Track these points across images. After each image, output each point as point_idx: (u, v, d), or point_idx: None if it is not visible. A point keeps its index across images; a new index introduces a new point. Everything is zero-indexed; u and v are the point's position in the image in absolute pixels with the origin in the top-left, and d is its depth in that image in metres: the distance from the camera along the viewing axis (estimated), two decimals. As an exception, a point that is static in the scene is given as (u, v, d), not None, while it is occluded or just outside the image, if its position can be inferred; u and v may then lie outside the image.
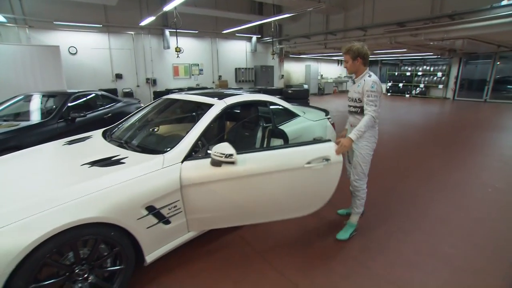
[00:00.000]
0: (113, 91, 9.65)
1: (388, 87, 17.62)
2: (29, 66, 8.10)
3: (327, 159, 2.34)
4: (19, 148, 3.44)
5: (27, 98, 4.91)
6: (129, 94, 10.52)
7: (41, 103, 4.90)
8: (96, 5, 9.66)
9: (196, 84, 12.51)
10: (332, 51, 13.21)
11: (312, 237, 2.72)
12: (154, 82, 11.56)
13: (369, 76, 2.44)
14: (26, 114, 4.58)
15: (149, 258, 1.99)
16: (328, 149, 2.36)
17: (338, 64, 19.63)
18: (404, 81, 16.90)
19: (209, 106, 2.52)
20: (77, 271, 1.71)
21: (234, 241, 2.63)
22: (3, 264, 1.41)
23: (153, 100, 9.83)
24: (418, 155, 5.40)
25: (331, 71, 19.42)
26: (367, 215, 3.05)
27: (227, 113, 3.16)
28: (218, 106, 2.52)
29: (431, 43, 9.16)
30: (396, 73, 17.34)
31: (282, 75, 14.84)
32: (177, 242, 2.15)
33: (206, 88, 11.29)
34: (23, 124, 3.97)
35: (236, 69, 13.96)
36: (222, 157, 2.00)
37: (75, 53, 9.96)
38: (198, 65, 12.73)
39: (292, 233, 2.79)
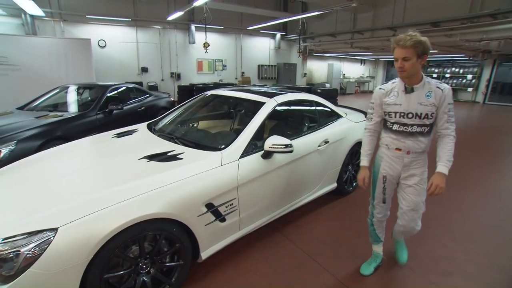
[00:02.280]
0: (139, 84, 9.80)
1: (412, 89, 17.13)
2: (63, 58, 8.33)
3: (327, 142, 2.87)
4: (64, 137, 3.54)
5: (65, 90, 5.04)
6: (153, 88, 10.66)
7: (78, 95, 5.02)
8: (126, 0, 9.80)
9: (219, 80, 12.54)
10: (358, 50, 12.92)
11: (360, 241, 2.65)
12: (178, 76, 11.66)
13: (438, 83, 1.79)
14: (65, 106, 4.70)
15: (204, 254, 1.99)
16: (327, 133, 2.96)
17: (361, 63, 19.23)
18: (430, 83, 16.36)
19: (261, 104, 2.50)
20: (141, 264, 1.72)
21: (280, 241, 2.60)
22: (86, 251, 1.44)
23: (178, 93, 10.00)
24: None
25: (353, 70, 19.04)
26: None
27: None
28: (269, 104, 2.50)
29: (467, 44, 8.79)
30: (422, 74, 16.82)
31: (305, 73, 14.66)
32: (229, 240, 2.14)
33: (231, 84, 11.28)
34: (67, 115, 4.06)
35: (259, 65, 13.90)
36: (281, 148, 2.11)
37: (104, 46, 10.15)
38: (221, 60, 12.76)
39: (335, 235, 2.73)
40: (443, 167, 1.73)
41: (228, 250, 2.34)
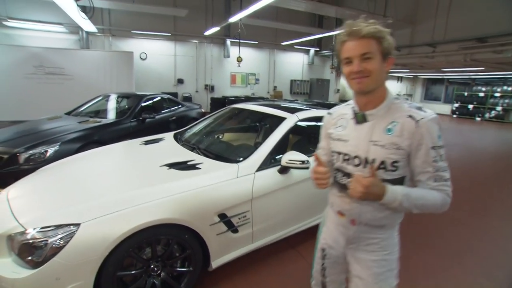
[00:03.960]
0: (174, 95, 10.32)
1: (454, 108, 16.14)
2: (108, 69, 9.08)
3: None
4: (100, 142, 3.83)
5: (106, 98, 5.46)
6: (188, 99, 11.15)
7: (117, 103, 5.42)
8: (168, 16, 10.49)
9: (252, 93, 12.81)
10: (394, 67, 12.56)
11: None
12: (212, 88, 12.11)
13: (413, 109, 1.08)
14: (105, 112, 5.09)
15: (215, 264, 2.02)
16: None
17: (398, 80, 18.60)
18: (475, 103, 15.31)
19: (282, 119, 2.53)
20: (152, 266, 1.81)
21: (293, 258, 2.57)
22: (102, 248, 1.55)
23: (211, 105, 10.37)
24: (497, 188, 4.79)
25: (389, 87, 18.40)
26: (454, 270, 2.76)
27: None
28: (290, 119, 2.53)
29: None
30: (466, 93, 15.82)
31: (338, 89, 14.48)
32: (241, 252, 2.16)
33: (262, 98, 11.48)
34: (104, 121, 4.41)
35: (291, 80, 14.00)
36: (298, 164, 2.09)
37: (145, 59, 10.88)
38: (254, 74, 13.05)
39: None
40: (398, 190, 1.03)
41: (240, 262, 2.36)
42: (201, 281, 2.17)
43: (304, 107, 3.05)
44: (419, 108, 1.08)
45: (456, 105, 16.10)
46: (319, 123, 3.03)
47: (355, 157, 1.12)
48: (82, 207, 1.67)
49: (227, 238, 2.02)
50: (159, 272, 1.84)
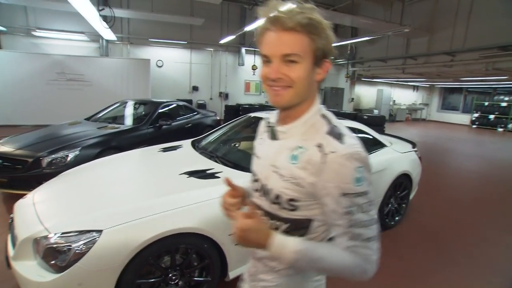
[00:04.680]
0: (189, 102, 10.47)
1: (474, 118, 15.68)
2: (125, 76, 9.33)
3: None
4: (118, 147, 3.90)
5: (124, 104, 5.59)
6: (202, 106, 11.27)
7: (134, 109, 5.53)
8: (184, 25, 10.71)
9: (265, 101, 12.84)
10: (410, 76, 12.39)
11: (401, 284, 2.44)
12: (226, 96, 12.22)
13: (330, 137, 0.76)
14: (122, 119, 5.20)
15: (232, 274, 2.00)
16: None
17: (414, 89, 18.29)
18: (497, 113, 14.84)
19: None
20: (170, 275, 1.80)
21: (309, 270, 2.51)
22: (123, 255, 1.56)
23: (225, 112, 10.46)
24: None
25: (405, 97, 18.15)
26: None
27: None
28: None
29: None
30: (486, 103, 15.36)
31: (352, 98, 14.35)
32: (258, 263, 2.13)
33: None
34: (122, 127, 4.50)
35: (305, 89, 13.98)
36: None
37: (161, 66, 11.11)
38: (268, 82, 13.11)
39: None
40: (292, 242, 0.75)
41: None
42: (218, 291, 2.14)
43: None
44: (340, 136, 0.75)
45: (476, 115, 15.65)
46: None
47: (257, 180, 0.90)
48: (104, 214, 1.69)
49: (244, 249, 1.98)
50: (177, 281, 1.83)
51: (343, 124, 0.82)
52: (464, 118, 16.73)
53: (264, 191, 0.85)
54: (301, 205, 0.79)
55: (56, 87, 8.71)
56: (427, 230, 3.37)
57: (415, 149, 3.63)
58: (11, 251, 1.70)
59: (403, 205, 3.45)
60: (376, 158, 2.99)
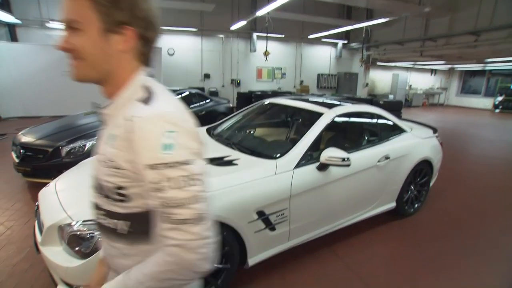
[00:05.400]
0: (201, 90, 10.45)
1: (497, 102, 14.94)
2: (138, 65, 9.34)
3: (387, 157, 2.67)
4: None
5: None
6: (214, 93, 11.23)
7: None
8: (195, 11, 10.56)
9: (278, 88, 12.68)
10: (428, 59, 11.90)
11: (419, 271, 2.39)
12: (238, 83, 12.12)
13: (147, 100, 0.67)
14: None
15: (251, 261, 2.00)
16: (389, 148, 2.75)
17: (431, 73, 17.60)
18: (523, 96, 14.06)
19: (319, 114, 2.45)
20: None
21: (329, 258, 2.49)
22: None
23: (237, 100, 10.39)
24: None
25: (422, 81, 17.52)
26: None
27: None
28: (328, 115, 2.45)
29: None
30: (512, 86, 14.58)
31: (367, 84, 13.97)
32: (277, 250, 2.13)
33: (289, 92, 11.33)
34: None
35: (318, 74, 13.70)
36: (338, 161, 2.05)
37: (172, 54, 11.06)
38: (281, 69, 12.90)
39: (391, 259, 2.51)
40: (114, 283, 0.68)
41: (275, 260, 2.31)
42: (238, 277, 2.15)
43: (339, 102, 2.93)
44: (148, 99, 0.66)
45: (500, 98, 14.87)
46: (357, 119, 2.94)
47: (94, 177, 0.77)
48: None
49: (264, 236, 1.98)
50: (197, 267, 1.83)
51: (174, 94, 0.71)
52: (486, 102, 15.99)
53: (96, 186, 0.75)
54: (131, 193, 0.67)
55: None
56: (449, 217, 3.28)
57: (436, 134, 3.49)
58: (39, 237, 1.74)
59: (423, 192, 3.36)
60: (397, 144, 2.90)
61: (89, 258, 1.53)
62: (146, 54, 0.75)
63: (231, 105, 6.78)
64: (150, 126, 0.61)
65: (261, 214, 1.90)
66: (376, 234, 2.88)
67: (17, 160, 3.50)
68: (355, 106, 2.80)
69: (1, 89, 8.22)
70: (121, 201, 0.68)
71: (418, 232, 2.96)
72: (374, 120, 2.95)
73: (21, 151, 3.50)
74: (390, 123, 3.08)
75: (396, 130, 3.07)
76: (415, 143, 3.08)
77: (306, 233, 2.27)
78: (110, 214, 0.72)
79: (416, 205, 3.30)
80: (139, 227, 0.70)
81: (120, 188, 0.67)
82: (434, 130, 3.55)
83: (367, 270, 2.35)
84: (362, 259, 2.49)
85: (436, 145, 3.37)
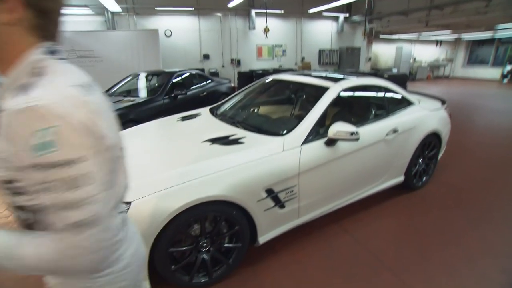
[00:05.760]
0: (201, 71, 10.26)
1: (505, 72, 14.46)
2: (135, 49, 9.12)
3: (395, 131, 2.61)
4: (136, 120, 3.87)
5: (136, 77, 5.49)
6: (214, 74, 11.02)
7: (148, 81, 5.44)
8: (190, -12, 10.19)
9: (279, 66, 12.41)
10: (434, 29, 11.49)
11: (427, 242, 2.39)
12: (238, 62, 11.86)
13: (27, 86, 0.55)
14: (137, 91, 5.14)
15: (262, 239, 1.99)
16: (397, 121, 2.67)
17: (436, 45, 17.08)
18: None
19: (325, 89, 2.36)
20: (201, 243, 1.80)
21: (338, 233, 2.48)
22: (154, 225, 1.55)
23: (238, 80, 10.21)
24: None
25: (426, 53, 17.02)
26: None
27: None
28: (334, 89, 2.36)
29: None
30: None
31: (370, 58, 13.62)
32: (287, 227, 2.12)
33: (290, 70, 11.08)
34: (138, 99, 4.44)
35: (320, 50, 13.35)
36: (347, 135, 2.00)
37: (169, 36, 10.77)
38: (281, 46, 12.56)
39: (400, 233, 2.51)
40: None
41: (285, 237, 2.32)
42: (249, 256, 2.16)
43: (344, 76, 2.83)
44: (28, 86, 0.55)
45: (509, 67, 14.30)
46: (364, 93, 2.85)
47: None
48: (131, 186, 1.66)
49: (274, 214, 1.96)
50: (208, 248, 1.84)
51: (75, 77, 0.63)
52: (493, 73, 15.52)
53: None
54: (24, 186, 0.57)
55: (68, 64, 8.67)
56: (458, 190, 3.25)
57: (445, 106, 3.40)
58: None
59: (431, 165, 3.31)
60: (405, 117, 2.82)
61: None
62: (45, 27, 0.63)
63: (232, 84, 6.65)
64: (18, 123, 0.52)
65: (270, 192, 1.87)
66: (385, 208, 2.86)
67: None
68: (361, 79, 2.71)
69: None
70: (16, 194, 0.60)
71: (426, 204, 2.94)
72: (381, 93, 2.86)
73: None
74: (398, 95, 2.98)
75: (403, 103, 2.99)
76: (423, 115, 3.00)
77: (315, 210, 2.26)
78: (16, 208, 0.63)
79: (424, 178, 3.26)
80: (39, 218, 0.61)
81: (10, 182, 0.58)
82: (443, 102, 3.45)
83: (376, 244, 2.35)
84: (371, 233, 2.49)
85: (444, 117, 3.29)
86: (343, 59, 13.53)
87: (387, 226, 2.60)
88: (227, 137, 2.13)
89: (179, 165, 1.80)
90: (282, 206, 1.98)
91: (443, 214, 2.77)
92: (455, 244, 2.34)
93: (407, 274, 2.02)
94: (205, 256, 1.82)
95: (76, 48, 8.63)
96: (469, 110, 7.72)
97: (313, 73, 3.02)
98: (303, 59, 13.10)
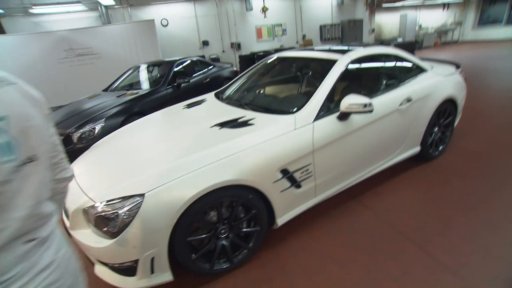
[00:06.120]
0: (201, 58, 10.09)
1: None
2: (133, 41, 8.98)
3: (409, 100, 2.50)
4: (141, 113, 3.83)
5: (137, 69, 5.41)
6: (215, 60, 10.82)
7: (149, 73, 5.36)
8: (183, -26, 9.87)
9: (280, 45, 12.10)
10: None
11: (450, 212, 2.32)
12: (238, 46, 11.60)
13: None
14: (139, 83, 5.07)
15: (280, 221, 1.96)
16: (410, 90, 2.55)
17: (443, 8, 16.31)
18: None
19: (332, 62, 2.25)
20: (219, 229, 1.78)
21: (356, 209, 2.44)
22: (170, 215, 1.53)
23: (239, 63, 10.00)
24: None
25: (433, 19, 16.30)
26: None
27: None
28: (342, 61, 2.26)
29: None
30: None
31: (373, 29, 13.13)
32: (304, 207, 2.08)
33: (293, 48, 10.80)
34: (141, 92, 4.38)
35: (321, 26, 12.91)
36: (360, 108, 1.92)
37: (166, 25, 10.55)
38: (281, 25, 12.18)
39: (420, 204, 2.45)
40: None
41: (303, 217, 2.28)
42: (268, 238, 2.14)
43: (351, 47, 2.70)
44: None
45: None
46: (373, 63, 2.73)
47: None
48: (143, 178, 1.63)
49: (290, 194, 1.91)
50: (227, 234, 1.81)
51: None
52: (507, 32, 14.70)
53: None
54: None
55: (68, 64, 8.62)
56: (476, 156, 3.13)
57: (460, 70, 3.24)
58: (67, 222, 1.74)
59: (448, 133, 3.20)
60: (418, 84, 2.70)
61: (118, 237, 1.50)
62: None
63: (235, 68, 6.51)
64: None
65: (285, 172, 1.82)
66: (402, 181, 2.79)
67: (32, 153, 3.50)
68: (369, 48, 2.58)
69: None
70: None
71: (444, 174, 2.85)
72: (392, 62, 2.73)
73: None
74: (409, 63, 2.85)
75: (415, 70, 2.85)
76: (437, 81, 2.86)
77: (332, 187, 2.21)
78: None
79: (440, 147, 3.16)
80: None
81: None
82: (457, 66, 3.29)
83: (397, 217, 2.30)
84: (390, 206, 2.43)
85: (459, 82, 3.14)
86: (345, 33, 13.10)
87: (406, 199, 2.54)
88: (236, 119, 2.06)
89: (190, 153, 1.75)
90: (298, 186, 1.93)
91: (463, 182, 2.69)
92: (478, 212, 2.27)
93: (431, 245, 1.97)
94: (224, 242, 1.80)
95: (74, 47, 8.55)
96: (483, 74, 7.40)
97: (317, 48, 2.90)
98: (304, 36, 12.73)
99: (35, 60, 8.26)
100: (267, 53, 9.28)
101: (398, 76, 2.68)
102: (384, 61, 2.77)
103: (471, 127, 3.87)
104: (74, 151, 3.29)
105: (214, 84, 5.26)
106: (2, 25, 8.77)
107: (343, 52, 2.40)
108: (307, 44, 12.49)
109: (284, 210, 1.95)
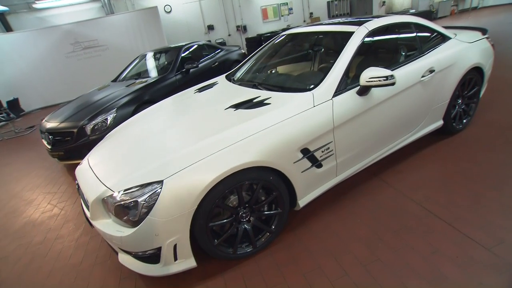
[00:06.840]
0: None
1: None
2: (137, 30, 8.89)
3: (432, 71, 2.37)
4: (151, 101, 3.78)
5: (144, 58, 5.33)
6: (222, 44, 10.62)
7: (156, 60, 5.27)
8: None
9: (287, 25, 11.76)
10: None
11: (479, 187, 2.21)
12: (244, 28, 11.34)
13: None
14: (147, 72, 5.00)
15: (302, 202, 1.91)
16: (432, 60, 2.40)
17: (457, -26, 15.32)
18: None
19: (349, 34, 2.11)
20: (241, 213, 1.74)
21: (378, 187, 2.35)
22: (190, 201, 1.49)
23: (246, 46, 9.78)
24: None
25: (447, -15, 15.38)
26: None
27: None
28: (360, 32, 2.11)
29: None
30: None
31: (384, 2, 12.56)
32: (326, 187, 2.01)
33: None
34: (150, 80, 4.32)
35: (328, 2, 12.43)
36: (381, 80, 1.80)
37: (169, 11, 10.37)
38: (287, 4, 11.79)
39: (445, 180, 2.33)
40: None
41: (324, 197, 2.22)
42: (290, 220, 2.10)
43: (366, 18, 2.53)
44: None
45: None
46: (393, 34, 2.56)
47: None
48: (160, 164, 1.59)
49: (312, 174, 1.85)
50: (248, 218, 1.77)
51: None
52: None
53: None
54: None
55: (76, 58, 8.63)
56: (504, 128, 2.95)
57: (487, 35, 3.01)
58: (87, 213, 1.73)
59: (472, 104, 3.02)
60: (442, 54, 2.52)
61: (139, 225, 1.48)
62: None
63: (243, 51, 6.36)
64: None
65: (305, 152, 1.74)
66: (425, 156, 2.67)
67: (49, 147, 3.53)
68: (387, 17, 2.41)
69: (17, 83, 8.19)
70: None
71: (470, 148, 2.71)
72: (412, 31, 2.55)
73: (50, 137, 3.50)
74: (430, 31, 2.66)
75: (438, 38, 2.66)
76: (462, 49, 2.67)
77: (354, 165, 2.12)
78: None
79: (465, 120, 2.99)
80: None
81: None
82: (484, 31, 3.06)
83: (423, 194, 2.20)
84: (414, 183, 2.33)
85: (487, 48, 2.92)
86: (354, 8, 12.57)
87: (430, 175, 2.43)
88: (251, 100, 1.98)
89: (206, 136, 1.69)
90: (319, 165, 1.85)
91: (490, 155, 2.54)
92: (510, 187, 2.14)
93: (461, 222, 1.88)
94: (246, 226, 1.77)
95: (80, 40, 8.54)
96: (509, 41, 6.95)
97: (329, 21, 2.74)
98: (311, 14, 12.30)
99: (43, 57, 8.30)
100: (274, 34, 9.03)
101: (420, 46, 2.51)
102: (404, 31, 2.59)
103: (498, 98, 3.66)
104: (88, 142, 3.30)
105: (223, 67, 5.15)
106: (9, 23, 8.80)
107: (359, 23, 2.24)
108: (315, 22, 12.07)
109: (305, 191, 1.89)
